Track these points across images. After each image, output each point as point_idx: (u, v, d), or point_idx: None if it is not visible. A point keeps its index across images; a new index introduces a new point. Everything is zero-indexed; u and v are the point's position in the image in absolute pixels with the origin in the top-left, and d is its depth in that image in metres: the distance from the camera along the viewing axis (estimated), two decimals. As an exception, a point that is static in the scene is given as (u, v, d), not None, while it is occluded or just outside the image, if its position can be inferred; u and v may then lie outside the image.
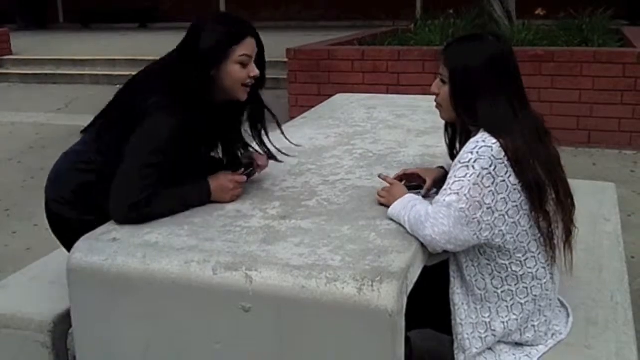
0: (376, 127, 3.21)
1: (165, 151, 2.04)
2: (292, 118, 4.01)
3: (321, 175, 2.43)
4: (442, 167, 2.21)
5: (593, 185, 3.41)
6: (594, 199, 3.11)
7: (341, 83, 6.78)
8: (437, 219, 1.77)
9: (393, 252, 1.74)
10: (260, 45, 2.19)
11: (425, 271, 1.82)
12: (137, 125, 2.06)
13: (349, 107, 3.71)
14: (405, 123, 3.26)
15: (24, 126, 7.89)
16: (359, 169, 2.48)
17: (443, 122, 2.08)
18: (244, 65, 2.12)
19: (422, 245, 1.81)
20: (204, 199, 2.13)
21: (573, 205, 1.91)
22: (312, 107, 3.86)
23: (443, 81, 1.93)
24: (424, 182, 2.15)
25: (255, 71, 2.15)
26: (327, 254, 1.74)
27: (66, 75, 11.14)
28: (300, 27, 16.31)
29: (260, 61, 2.20)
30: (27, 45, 13.64)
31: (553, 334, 1.97)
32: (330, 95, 4.22)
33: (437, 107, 2.00)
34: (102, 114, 2.28)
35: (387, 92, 6.27)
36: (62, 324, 2.20)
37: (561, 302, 2.11)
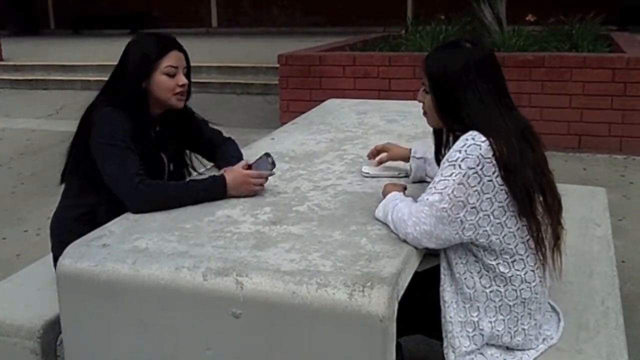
0: (367, 132, 3.21)
1: (123, 135, 2.23)
2: (283, 123, 4.01)
3: (312, 180, 2.43)
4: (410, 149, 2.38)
5: (583, 190, 3.42)
6: (585, 203, 3.12)
7: (332, 88, 6.79)
8: (419, 218, 1.79)
9: (384, 258, 1.74)
10: (187, 60, 2.42)
11: (415, 276, 1.82)
12: (88, 132, 2.29)
13: (340, 113, 3.71)
14: (396, 128, 3.27)
15: (15, 132, 7.86)
16: (350, 174, 2.48)
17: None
18: (171, 75, 2.35)
19: (413, 250, 1.82)
20: (218, 191, 2.22)
21: (560, 208, 1.92)
22: (303, 112, 3.85)
23: (426, 90, 1.96)
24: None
25: (183, 80, 2.37)
26: (318, 260, 1.74)
27: (57, 81, 11.10)
28: (291, 33, 16.33)
29: (187, 75, 2.41)
30: (18, 51, 13.59)
31: (544, 339, 1.97)
32: (322, 101, 4.22)
33: (423, 114, 2.03)
34: (66, 159, 2.45)
35: (378, 98, 6.27)
36: (52, 331, 2.19)
37: (552, 307, 2.12)
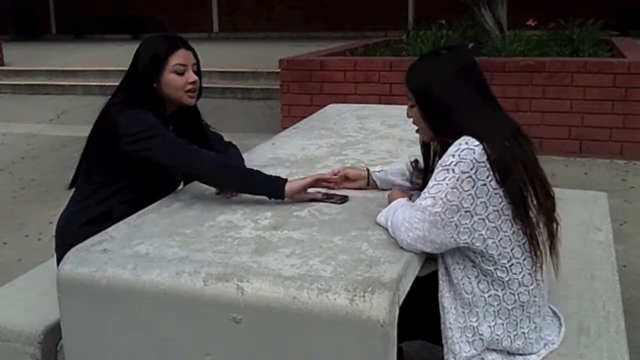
0: (368, 137, 3.21)
1: (155, 123, 2.27)
2: (285, 128, 4.01)
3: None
4: (367, 169, 2.37)
5: (585, 194, 3.42)
6: (586, 208, 3.11)
7: (333, 93, 6.79)
8: (411, 223, 1.79)
9: (385, 263, 1.74)
10: (196, 57, 2.45)
11: (416, 281, 1.81)
12: (112, 132, 2.28)
13: (341, 117, 3.71)
14: (397, 133, 3.27)
15: (16, 137, 7.87)
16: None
17: None
18: (180, 73, 2.37)
19: (414, 255, 1.81)
20: (277, 186, 2.19)
21: (554, 205, 1.92)
22: (305, 117, 3.86)
23: (412, 105, 1.98)
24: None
25: (192, 77, 2.40)
26: (319, 265, 1.73)
27: (58, 85, 11.11)
28: (292, 37, 16.36)
29: (197, 73, 2.44)
30: (19, 55, 13.61)
31: (545, 344, 1.97)
32: (323, 106, 4.23)
33: (416, 132, 2.05)
34: (80, 161, 2.48)
35: (379, 103, 6.28)
36: (52, 336, 2.19)
37: (553, 312, 2.11)
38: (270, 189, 2.19)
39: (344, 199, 2.23)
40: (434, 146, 2.07)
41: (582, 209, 3.09)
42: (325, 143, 3.09)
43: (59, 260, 2.28)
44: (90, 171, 2.42)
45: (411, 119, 2.03)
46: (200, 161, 2.23)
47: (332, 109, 4.05)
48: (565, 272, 2.42)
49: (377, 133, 3.29)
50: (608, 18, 8.37)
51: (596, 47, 7.38)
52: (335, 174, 2.34)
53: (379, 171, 2.35)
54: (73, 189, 2.50)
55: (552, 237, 1.91)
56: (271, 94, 9.37)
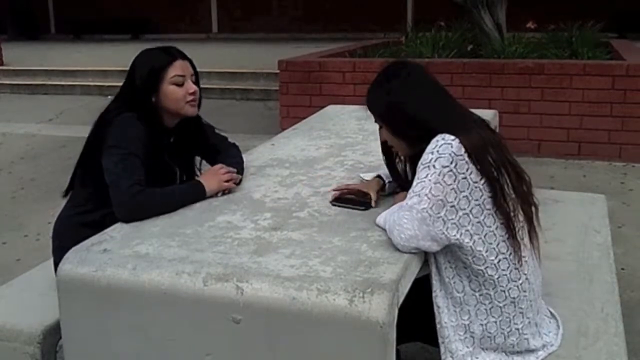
0: (367, 138, 3.21)
1: (136, 144, 2.24)
2: (284, 129, 4.01)
3: (312, 186, 2.43)
4: (379, 176, 2.31)
5: (583, 196, 3.42)
6: (584, 210, 3.12)
7: (332, 94, 6.79)
8: (401, 224, 1.81)
9: (384, 264, 1.74)
10: (194, 67, 2.43)
11: (413, 283, 1.82)
12: (105, 138, 2.28)
13: (340, 119, 3.72)
14: (396, 134, 3.27)
15: (15, 137, 7.87)
16: (350, 181, 2.48)
17: None
18: (179, 85, 2.36)
19: (414, 256, 1.82)
20: (197, 190, 2.28)
21: (529, 188, 1.95)
22: (304, 118, 3.86)
23: (381, 127, 2.06)
24: (367, 197, 2.22)
25: (192, 87, 2.39)
26: (318, 265, 1.74)
27: (57, 85, 11.11)
28: (291, 38, 16.37)
29: (196, 84, 2.43)
30: (19, 55, 13.61)
31: (544, 345, 1.98)
32: (322, 107, 4.23)
33: (391, 148, 2.11)
34: (75, 167, 2.47)
35: (379, 104, 6.27)
36: (52, 336, 2.19)
37: (551, 313, 2.12)
38: (194, 195, 2.26)
39: (367, 207, 2.19)
40: (404, 158, 2.14)
41: (581, 211, 3.10)
42: (324, 144, 3.10)
43: (56, 263, 2.28)
44: (86, 176, 2.40)
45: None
46: (122, 199, 2.14)
47: (331, 110, 4.06)
48: (563, 275, 2.44)
49: (376, 134, 3.27)
50: (606, 21, 8.37)
51: (595, 50, 7.38)
52: (357, 192, 2.27)
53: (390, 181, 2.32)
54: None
55: (530, 221, 1.94)
56: (270, 95, 9.38)
